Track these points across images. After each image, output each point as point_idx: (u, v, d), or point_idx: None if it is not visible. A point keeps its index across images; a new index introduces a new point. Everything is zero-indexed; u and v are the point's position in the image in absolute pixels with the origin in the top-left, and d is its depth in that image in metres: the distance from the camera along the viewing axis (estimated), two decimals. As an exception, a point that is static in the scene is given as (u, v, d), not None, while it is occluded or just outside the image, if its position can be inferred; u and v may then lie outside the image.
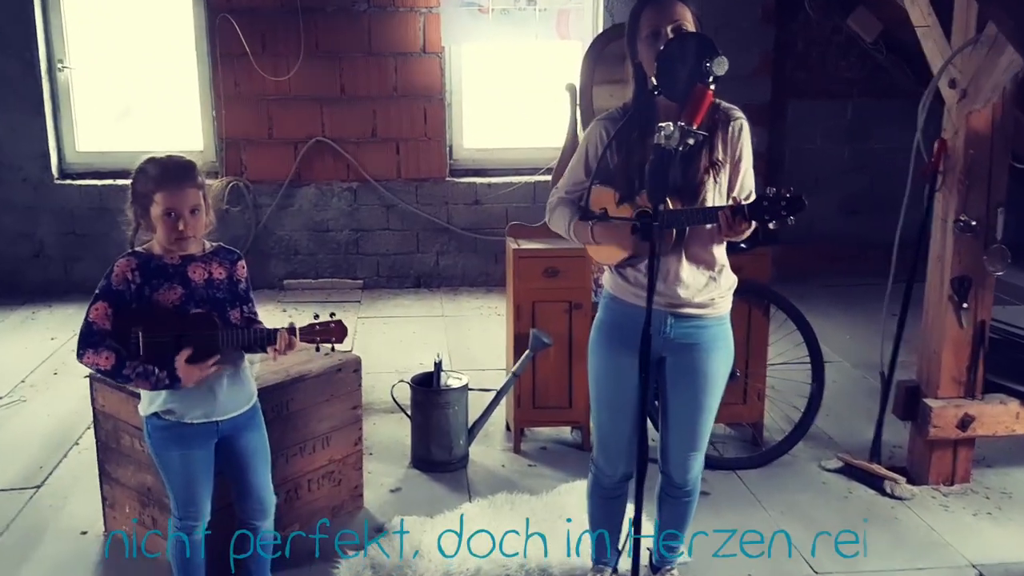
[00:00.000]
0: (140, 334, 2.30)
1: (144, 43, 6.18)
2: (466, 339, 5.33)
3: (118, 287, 2.34)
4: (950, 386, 3.57)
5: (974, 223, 3.38)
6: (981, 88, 3.27)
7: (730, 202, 2.43)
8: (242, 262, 2.52)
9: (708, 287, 2.46)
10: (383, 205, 6.35)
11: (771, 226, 2.25)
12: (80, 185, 6.11)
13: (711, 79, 2.14)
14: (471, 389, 3.75)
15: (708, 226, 2.35)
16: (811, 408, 3.76)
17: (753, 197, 2.46)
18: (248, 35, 5.95)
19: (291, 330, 2.41)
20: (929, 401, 3.56)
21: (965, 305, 3.48)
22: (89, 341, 2.31)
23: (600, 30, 6.12)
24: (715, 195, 2.39)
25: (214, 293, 2.42)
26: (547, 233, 3.82)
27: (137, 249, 2.41)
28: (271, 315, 5.77)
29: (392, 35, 6.09)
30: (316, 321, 2.47)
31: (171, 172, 2.34)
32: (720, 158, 2.38)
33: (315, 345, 2.49)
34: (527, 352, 3.68)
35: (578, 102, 3.96)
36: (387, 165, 6.29)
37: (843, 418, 4.22)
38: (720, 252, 2.48)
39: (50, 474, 3.67)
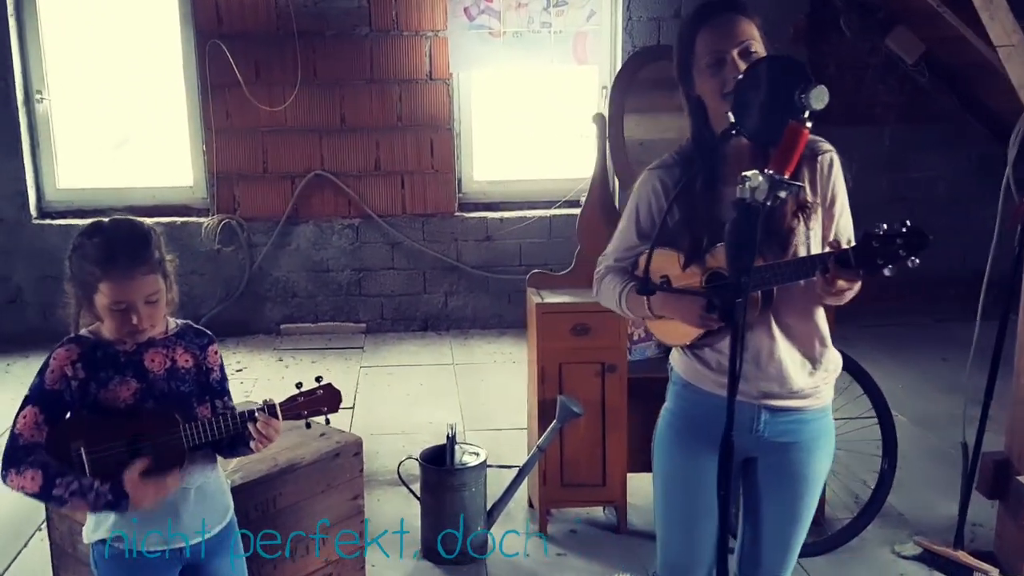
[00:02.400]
0: (83, 451, 1.82)
1: (130, 71, 5.75)
2: (480, 392, 4.84)
3: (53, 387, 1.85)
4: (1047, 461, 3.08)
5: (1076, 274, 2.91)
6: (1085, 117, 2.80)
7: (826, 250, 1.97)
8: (214, 347, 2.02)
9: (810, 370, 1.98)
10: (387, 243, 5.88)
11: (887, 272, 1.74)
12: (60, 225, 5.64)
13: (806, 114, 1.67)
14: (490, 466, 3.27)
15: (802, 284, 1.86)
16: (882, 488, 3.26)
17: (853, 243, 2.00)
18: (241, 62, 5.51)
19: (271, 409, 1.92)
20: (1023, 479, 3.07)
21: (1065, 368, 3.00)
22: (13, 459, 1.82)
23: (619, 54, 5.69)
24: (808, 247, 1.92)
25: (177, 386, 1.93)
26: (575, 282, 3.36)
27: (82, 333, 1.94)
28: (267, 365, 5.30)
29: (396, 61, 5.65)
30: (300, 392, 1.98)
31: (118, 255, 1.83)
32: (809, 200, 1.91)
33: (304, 421, 2.00)
34: (554, 423, 3.19)
35: (607, 133, 3.50)
36: (391, 200, 5.83)
37: (913, 489, 3.71)
38: (822, 320, 1.99)
39: (5, 570, 3.18)
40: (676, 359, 2.09)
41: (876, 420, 3.32)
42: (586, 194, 3.47)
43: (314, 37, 5.56)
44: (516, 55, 5.54)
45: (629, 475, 3.35)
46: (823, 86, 1.65)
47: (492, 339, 5.78)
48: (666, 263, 1.93)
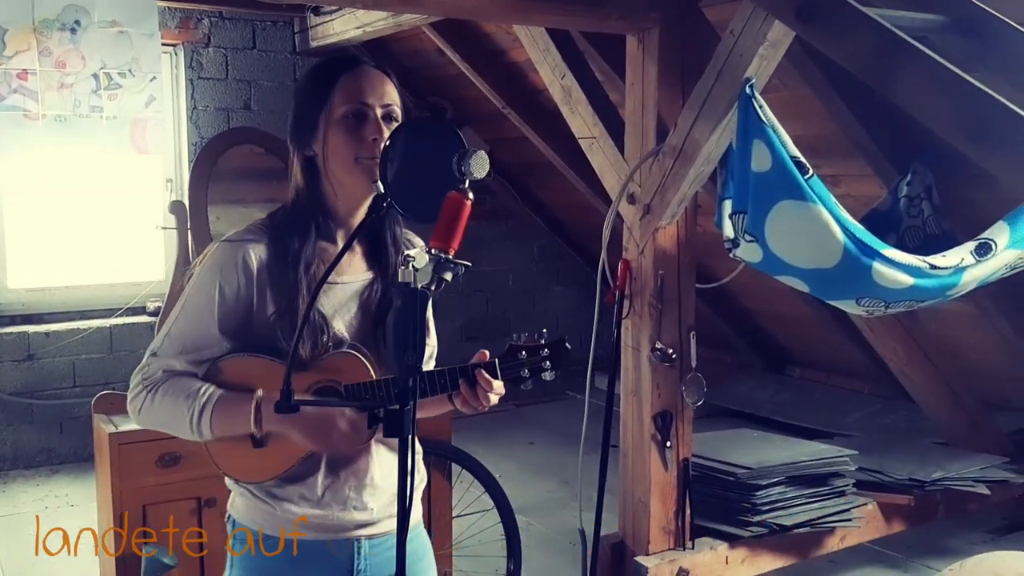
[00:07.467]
0: None
1: None
2: (31, 552, 3.88)
3: None
4: (660, 538, 3.13)
5: (671, 351, 3.04)
6: (668, 203, 2.96)
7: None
8: None
9: None
10: None
11: (525, 386, 1.65)
12: None
13: (467, 183, 1.44)
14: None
15: None
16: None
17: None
18: None
19: None
20: (641, 559, 3.09)
21: (668, 443, 3.10)
22: None
23: (185, 144, 5.19)
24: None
25: None
26: (157, 404, 2.78)
27: None
28: None
29: None
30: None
31: None
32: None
33: None
34: (140, 581, 2.56)
35: (189, 225, 3.03)
36: None
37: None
38: None
39: None
40: (241, 508, 1.66)
41: (499, 521, 3.20)
42: (166, 295, 2.94)
43: None
44: (61, 141, 4.75)
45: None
46: (483, 152, 1.43)
47: (41, 480, 4.77)
48: (253, 372, 1.55)
